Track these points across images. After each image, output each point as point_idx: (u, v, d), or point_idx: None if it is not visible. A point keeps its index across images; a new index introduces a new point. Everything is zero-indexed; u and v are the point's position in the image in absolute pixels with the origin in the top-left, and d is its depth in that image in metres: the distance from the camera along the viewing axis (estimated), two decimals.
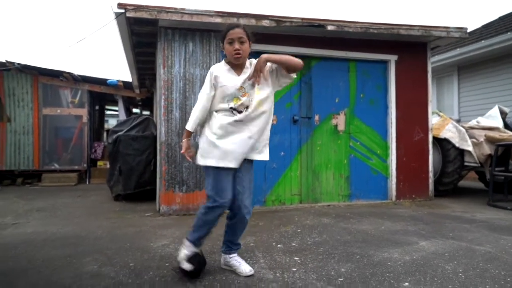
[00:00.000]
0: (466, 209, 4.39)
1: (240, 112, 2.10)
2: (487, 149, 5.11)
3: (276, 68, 2.22)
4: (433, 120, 5.63)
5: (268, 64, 2.18)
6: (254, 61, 2.20)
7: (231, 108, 2.11)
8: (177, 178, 4.21)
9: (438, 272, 2.24)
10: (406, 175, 5.09)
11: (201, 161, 2.18)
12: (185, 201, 4.23)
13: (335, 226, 3.55)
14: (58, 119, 7.99)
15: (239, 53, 2.10)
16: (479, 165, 5.26)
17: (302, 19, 4.37)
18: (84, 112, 8.06)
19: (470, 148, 5.20)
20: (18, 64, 7.26)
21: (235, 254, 2.33)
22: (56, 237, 3.16)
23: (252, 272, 2.24)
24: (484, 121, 5.89)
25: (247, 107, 2.11)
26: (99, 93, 8.51)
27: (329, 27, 4.45)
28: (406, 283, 2.07)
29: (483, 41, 7.40)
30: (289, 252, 2.69)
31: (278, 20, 4.30)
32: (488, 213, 4.14)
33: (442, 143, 5.45)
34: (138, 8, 3.92)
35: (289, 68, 2.15)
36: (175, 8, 4.02)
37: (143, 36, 4.70)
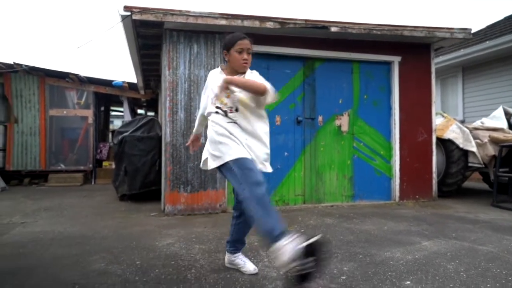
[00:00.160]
0: (470, 210, 4.40)
1: (225, 112, 2.13)
2: (491, 150, 5.10)
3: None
4: (437, 121, 5.63)
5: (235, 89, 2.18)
6: (254, 72, 2.25)
7: (217, 107, 2.16)
8: (182, 178, 4.26)
9: (440, 271, 2.26)
10: (410, 176, 5.10)
11: (217, 161, 2.09)
12: (189, 201, 4.27)
13: (338, 226, 3.57)
14: (64, 120, 8.09)
15: (247, 63, 2.18)
16: (483, 166, 5.25)
17: (306, 20, 4.41)
18: (89, 113, 8.16)
19: (474, 149, 5.20)
20: (26, 65, 7.36)
21: (240, 253, 2.37)
22: (64, 236, 3.22)
23: (256, 271, 2.27)
24: (488, 122, 5.89)
25: (233, 108, 2.13)
26: (105, 94, 8.60)
27: (333, 29, 4.48)
28: (408, 282, 2.10)
29: (487, 42, 7.39)
30: None
31: (282, 22, 4.34)
32: (492, 214, 4.14)
33: (446, 144, 5.46)
34: (144, 10, 3.98)
35: (252, 93, 2.13)
36: (180, 11, 4.08)
37: (149, 38, 4.77)
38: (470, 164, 5.32)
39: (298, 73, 4.85)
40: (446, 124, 5.63)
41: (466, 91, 8.34)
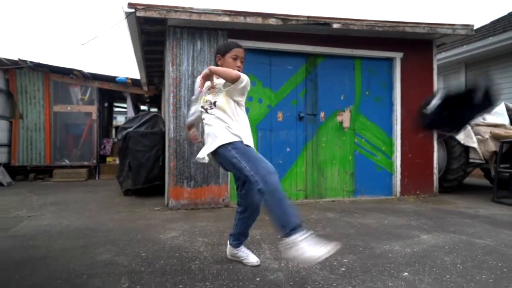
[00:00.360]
0: (470, 205, 4.44)
1: (206, 109, 2.22)
2: (492, 146, 5.13)
3: (224, 83, 2.27)
4: None
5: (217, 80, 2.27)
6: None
7: (202, 107, 2.27)
8: (185, 173, 4.33)
9: (437, 263, 2.32)
10: (411, 171, 5.15)
11: (230, 138, 2.10)
12: (193, 196, 4.34)
13: (339, 220, 3.63)
14: (69, 116, 8.18)
15: (240, 70, 2.26)
16: (484, 161, 5.28)
17: (308, 17, 4.44)
18: (93, 109, 8.24)
19: (475, 145, 5.23)
20: (31, 62, 7.43)
21: (242, 246, 2.43)
22: (70, 229, 3.30)
23: (259, 263, 2.34)
24: (490, 118, 5.90)
25: (211, 103, 2.20)
26: (108, 91, 8.67)
27: (335, 25, 4.51)
28: (406, 273, 2.16)
29: (490, 38, 7.38)
30: None
31: (284, 18, 4.37)
32: (491, 209, 4.19)
33: (447, 140, 5.48)
34: (148, 7, 4.02)
35: (228, 80, 2.19)
36: (184, 8, 4.12)
37: (152, 35, 4.82)
38: (471, 160, 5.35)
39: (300, 69, 4.89)
40: None
41: (468, 87, 8.33)
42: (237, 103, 2.22)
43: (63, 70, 7.84)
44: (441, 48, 7.46)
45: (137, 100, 10.67)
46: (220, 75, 2.19)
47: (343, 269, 2.25)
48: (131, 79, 8.38)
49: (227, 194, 4.46)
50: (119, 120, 17.90)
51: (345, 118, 5.03)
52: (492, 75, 7.69)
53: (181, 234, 3.13)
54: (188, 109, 2.46)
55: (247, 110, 4.99)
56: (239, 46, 2.29)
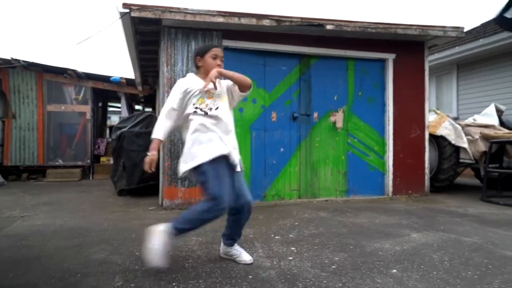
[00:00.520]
0: (460, 204, 4.52)
1: (205, 112, 2.21)
2: (482, 146, 5.23)
3: (231, 86, 2.34)
4: (430, 117, 5.75)
5: (228, 82, 2.34)
6: (222, 81, 2.34)
7: (196, 107, 2.22)
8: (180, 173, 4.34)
9: (425, 260, 2.38)
10: (403, 171, 5.22)
11: (190, 164, 2.16)
12: (187, 196, 4.36)
13: (331, 219, 3.68)
14: (62, 115, 8.14)
15: (221, 67, 2.29)
16: (474, 161, 5.38)
17: (302, 18, 4.48)
18: (87, 108, 8.22)
19: (465, 145, 5.32)
20: (24, 61, 7.40)
21: (236, 244, 2.46)
22: (64, 229, 3.31)
23: (252, 261, 2.37)
24: (480, 118, 6.02)
25: (212, 108, 2.22)
26: (102, 90, 8.65)
27: (328, 27, 4.56)
28: (394, 270, 2.21)
29: (481, 40, 7.50)
30: (286, 242, 2.83)
31: (278, 19, 4.41)
32: (480, 208, 4.27)
33: (438, 140, 5.57)
34: (142, 8, 4.04)
35: (240, 86, 2.28)
36: (178, 8, 4.14)
37: (147, 35, 4.83)
38: (461, 160, 5.44)
39: (294, 70, 4.94)
40: (439, 121, 5.74)
41: (460, 88, 8.46)
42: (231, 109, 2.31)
43: (57, 69, 7.81)
44: (434, 49, 7.56)
45: (131, 100, 10.64)
46: (234, 80, 2.24)
47: (334, 266, 2.30)
48: (125, 78, 8.37)
49: None
50: (113, 119, 17.82)
51: (338, 118, 5.09)
52: (483, 76, 7.82)
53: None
54: (168, 118, 2.26)
55: (241, 110, 5.05)
56: (217, 46, 2.37)
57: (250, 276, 2.14)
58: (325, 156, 5.03)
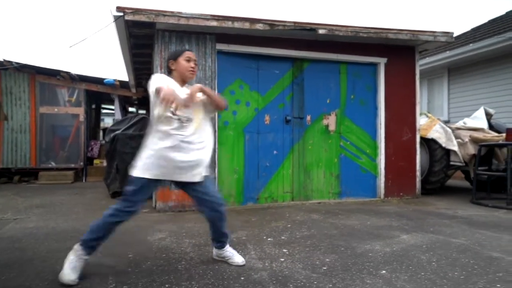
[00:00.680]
0: (450, 206, 4.60)
1: (182, 121, 2.19)
2: (472, 149, 5.32)
3: (206, 102, 2.34)
4: (422, 121, 5.84)
5: (202, 97, 2.31)
6: (190, 86, 2.33)
7: (172, 113, 2.16)
8: None
9: (414, 261, 2.43)
10: (394, 174, 5.29)
11: (138, 173, 2.22)
12: (180, 198, 4.38)
13: (323, 221, 3.73)
14: (55, 117, 8.10)
15: (194, 71, 2.33)
16: (464, 164, 5.47)
17: (295, 23, 4.54)
18: (81, 111, 8.18)
19: (455, 148, 5.41)
20: (16, 63, 7.36)
21: (227, 246, 2.49)
22: (57, 231, 3.31)
23: (244, 263, 2.41)
24: (470, 122, 6.12)
25: (186, 119, 2.20)
26: (96, 92, 8.62)
27: (320, 31, 4.63)
28: (383, 271, 2.26)
29: (471, 45, 7.63)
30: (279, 244, 2.87)
31: (271, 23, 4.47)
32: (470, 210, 4.35)
33: (429, 143, 5.66)
34: (136, 11, 4.06)
35: (216, 106, 2.34)
36: (172, 12, 4.17)
37: (141, 38, 4.85)
38: (452, 163, 5.53)
39: (287, 73, 4.99)
40: (430, 124, 5.83)
41: (451, 91, 8.60)
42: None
43: (50, 71, 7.78)
44: (425, 53, 7.69)
45: (125, 102, 10.61)
46: (212, 99, 2.28)
47: (325, 268, 2.34)
48: (119, 81, 8.36)
49: None
50: (107, 122, 17.74)
51: (330, 121, 5.15)
52: (474, 80, 7.96)
53: (168, 235, 3.17)
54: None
55: (234, 113, 5.08)
56: (190, 50, 2.39)
57: (242, 278, 2.17)
58: (318, 159, 5.08)
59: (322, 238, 3.04)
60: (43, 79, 7.90)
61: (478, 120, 6.03)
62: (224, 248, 2.47)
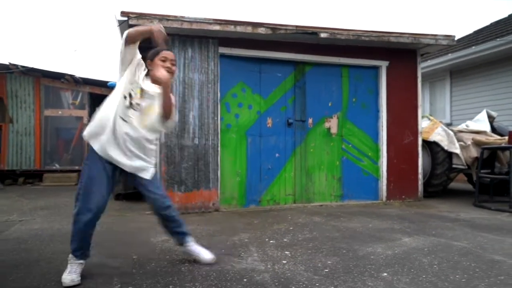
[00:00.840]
0: (452, 209, 4.60)
1: (132, 103, 2.24)
2: (474, 152, 5.33)
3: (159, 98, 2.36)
4: (424, 123, 5.85)
5: (159, 90, 2.33)
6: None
7: (129, 94, 2.24)
8: (176, 178, 4.40)
9: (415, 264, 2.45)
10: (396, 176, 5.30)
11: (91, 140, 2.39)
12: (183, 201, 4.41)
13: (325, 224, 3.75)
14: (59, 120, 8.19)
15: (170, 70, 2.32)
16: (467, 167, 5.47)
17: (297, 26, 4.58)
18: (84, 113, 8.26)
19: (457, 151, 5.42)
20: (22, 66, 7.44)
21: (189, 241, 2.51)
22: (62, 233, 3.34)
23: (214, 260, 2.45)
24: (472, 124, 6.13)
25: (139, 105, 2.25)
26: (100, 95, 8.67)
27: (322, 35, 4.66)
28: (385, 274, 2.28)
29: (473, 47, 7.64)
30: (281, 247, 2.89)
31: (274, 27, 4.51)
32: (472, 213, 4.35)
33: (431, 146, 5.66)
34: (140, 16, 4.12)
35: (163, 110, 2.31)
36: (175, 16, 4.23)
37: (144, 42, 4.89)
38: (454, 166, 5.54)
39: (289, 76, 5.03)
40: (432, 127, 5.84)
41: (453, 94, 8.60)
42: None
43: (54, 74, 7.86)
44: (427, 56, 7.69)
45: None
46: (166, 100, 2.27)
47: (327, 270, 2.36)
48: None
49: (217, 198, 4.54)
50: None
51: (332, 124, 5.17)
52: (476, 83, 7.97)
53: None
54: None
55: (236, 116, 5.12)
56: (167, 50, 2.38)
57: (245, 279, 2.20)
58: (319, 162, 5.10)
59: (324, 241, 3.06)
60: (48, 82, 7.99)
61: (480, 123, 6.03)
62: (186, 244, 2.50)
